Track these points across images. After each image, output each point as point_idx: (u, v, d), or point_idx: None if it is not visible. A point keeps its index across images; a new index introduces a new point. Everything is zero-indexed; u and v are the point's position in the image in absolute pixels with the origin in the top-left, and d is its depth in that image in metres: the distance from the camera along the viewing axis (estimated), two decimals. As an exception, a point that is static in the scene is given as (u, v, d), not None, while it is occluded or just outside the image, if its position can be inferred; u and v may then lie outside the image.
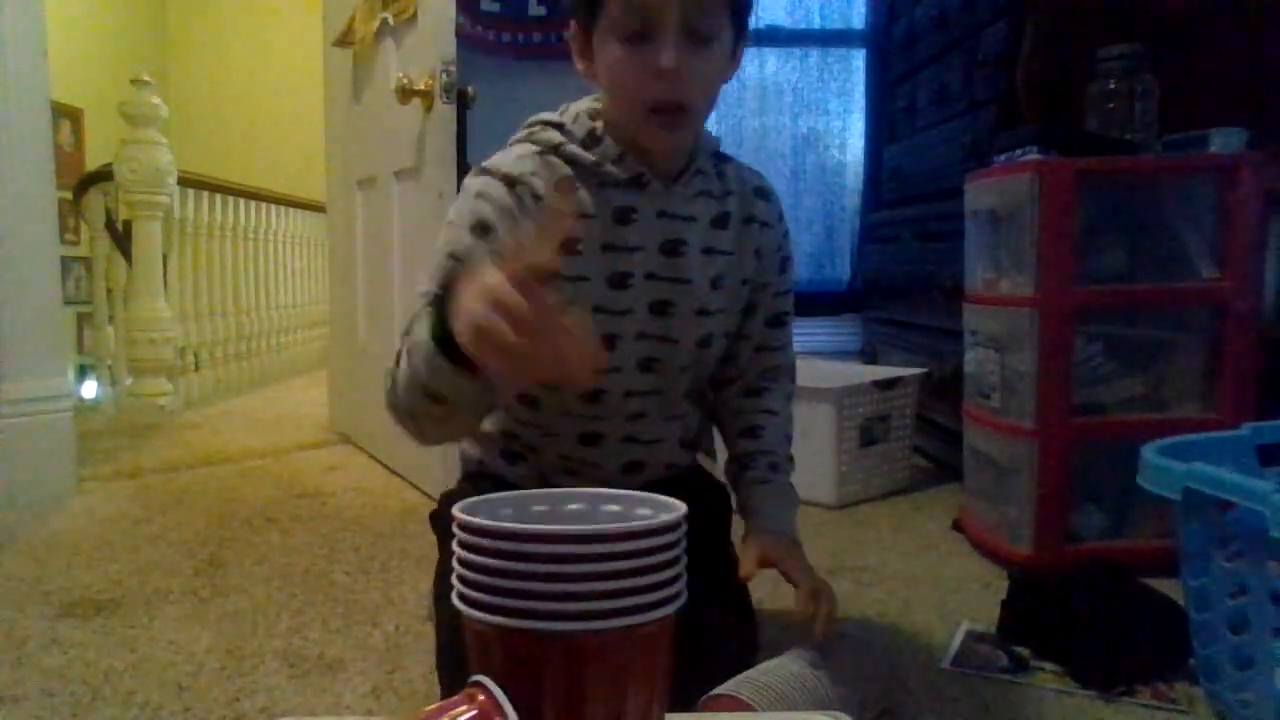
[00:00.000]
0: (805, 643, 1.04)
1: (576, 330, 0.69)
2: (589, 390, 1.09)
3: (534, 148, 1.05)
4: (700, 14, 0.95)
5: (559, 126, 1.06)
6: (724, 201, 1.11)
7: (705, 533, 1.10)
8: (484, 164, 1.06)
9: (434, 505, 2.09)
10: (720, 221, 1.11)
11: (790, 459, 1.21)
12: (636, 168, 1.03)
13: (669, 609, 0.61)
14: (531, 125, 1.09)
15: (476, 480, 1.19)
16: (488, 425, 1.16)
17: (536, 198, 1.01)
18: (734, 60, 1.04)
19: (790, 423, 1.24)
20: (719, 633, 1.02)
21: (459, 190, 1.10)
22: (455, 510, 0.63)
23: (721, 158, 1.14)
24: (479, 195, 1.02)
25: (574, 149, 1.04)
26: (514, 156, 1.04)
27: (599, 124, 1.06)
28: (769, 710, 0.89)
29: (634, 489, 1.05)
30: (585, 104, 1.09)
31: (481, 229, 1.00)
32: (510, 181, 1.01)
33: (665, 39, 0.94)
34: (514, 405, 1.12)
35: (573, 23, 1.03)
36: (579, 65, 1.04)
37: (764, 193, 1.17)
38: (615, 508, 0.70)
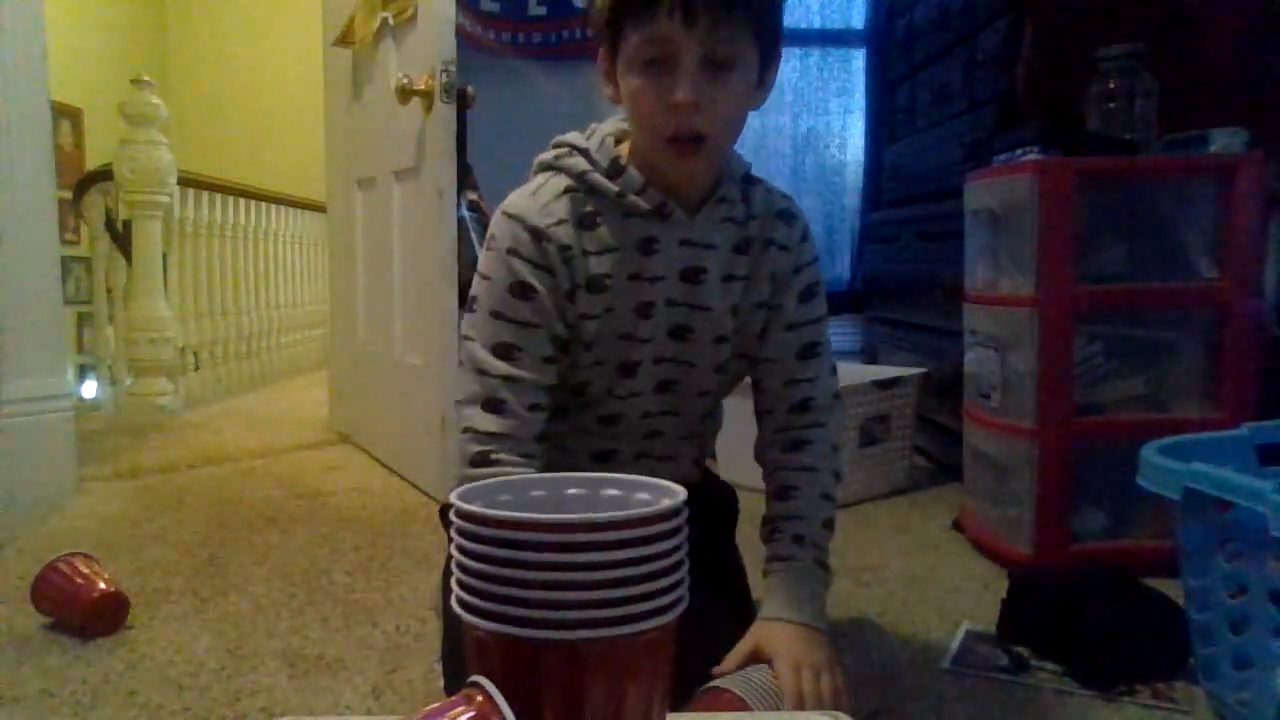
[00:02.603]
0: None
1: None
2: (606, 415, 1.10)
3: (559, 184, 1.04)
4: (718, 42, 0.93)
5: (584, 152, 1.05)
6: (746, 227, 1.09)
7: (707, 535, 1.10)
8: (511, 208, 1.04)
9: (435, 505, 2.10)
10: (742, 247, 1.09)
11: (827, 523, 1.11)
12: (659, 198, 1.02)
13: (670, 615, 0.61)
14: (558, 148, 1.08)
15: None
16: None
17: (564, 248, 1.01)
18: (762, 87, 1.02)
19: (832, 478, 1.14)
20: (719, 641, 1.01)
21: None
22: (453, 497, 0.63)
23: (750, 180, 1.12)
24: (511, 252, 1.01)
25: (598, 178, 1.03)
26: (541, 203, 1.03)
27: (623, 149, 1.05)
28: (762, 708, 0.89)
29: None
30: (611, 125, 1.08)
31: (521, 290, 1.01)
32: (537, 235, 1.01)
33: (683, 70, 0.92)
34: None
35: (601, 49, 1.02)
36: (607, 91, 1.04)
37: (787, 216, 1.13)
38: (615, 492, 0.69)
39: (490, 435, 1.00)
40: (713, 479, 1.30)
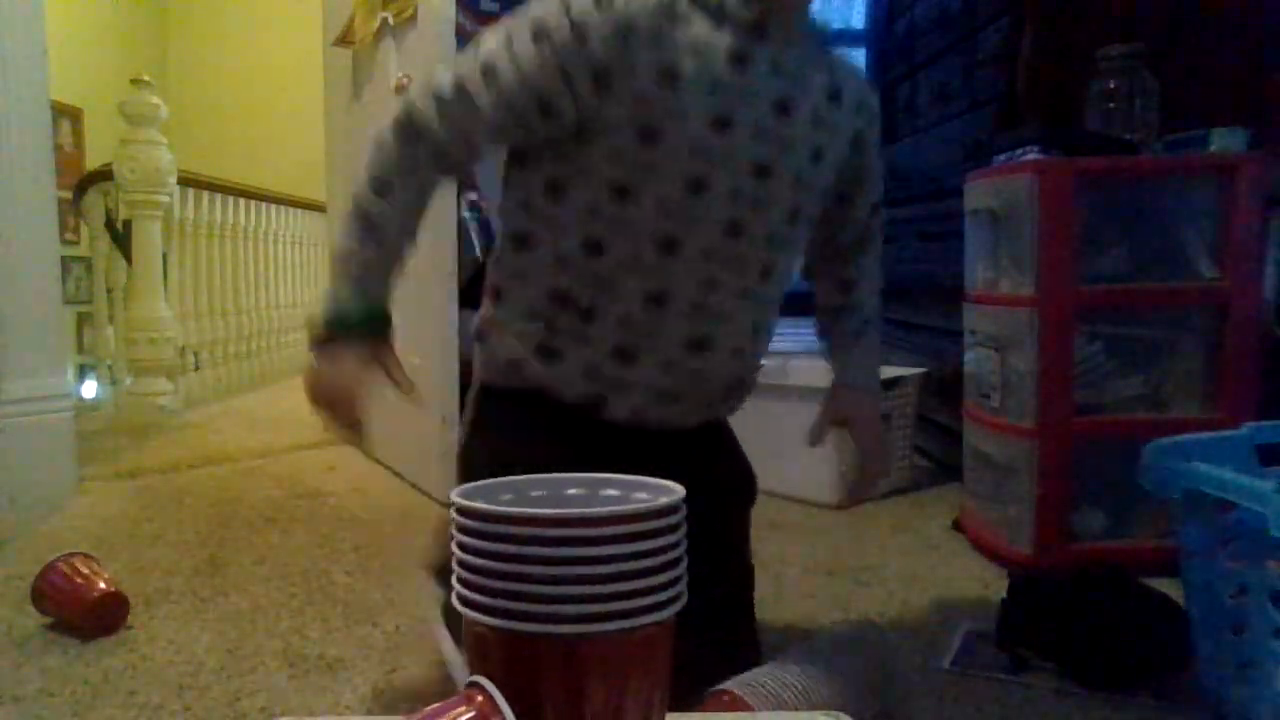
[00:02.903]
0: (806, 644, 1.04)
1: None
2: (664, 238, 1.01)
3: None
4: None
5: None
6: (836, 77, 1.08)
7: (721, 512, 1.08)
8: None
9: (433, 505, 2.10)
10: (835, 96, 1.08)
11: (879, 311, 1.28)
12: (759, 8, 0.98)
13: (668, 611, 0.61)
14: None
15: (501, 398, 1.11)
16: (531, 297, 1.07)
17: (634, 30, 0.95)
18: None
19: (880, 280, 1.29)
20: (717, 650, 0.98)
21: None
22: (454, 495, 0.63)
23: (829, 47, 1.11)
24: (563, 6, 0.96)
25: None
26: None
27: None
28: (764, 709, 0.89)
29: (696, 373, 1.06)
30: None
31: (541, 35, 0.97)
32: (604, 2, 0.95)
33: None
34: (577, 254, 1.03)
35: None
36: None
37: (870, 86, 1.17)
38: (614, 492, 0.70)
39: (437, 116, 1.00)
40: (736, 452, 1.25)
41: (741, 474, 1.23)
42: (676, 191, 0.99)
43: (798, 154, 1.05)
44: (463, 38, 2.34)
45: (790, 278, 1.18)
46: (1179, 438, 1.15)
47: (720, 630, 1.05)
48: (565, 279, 1.04)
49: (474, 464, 1.10)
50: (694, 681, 0.92)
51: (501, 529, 0.59)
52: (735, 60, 0.99)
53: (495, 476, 0.69)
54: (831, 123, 1.08)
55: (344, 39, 2.66)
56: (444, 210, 2.07)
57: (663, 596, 0.60)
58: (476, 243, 2.54)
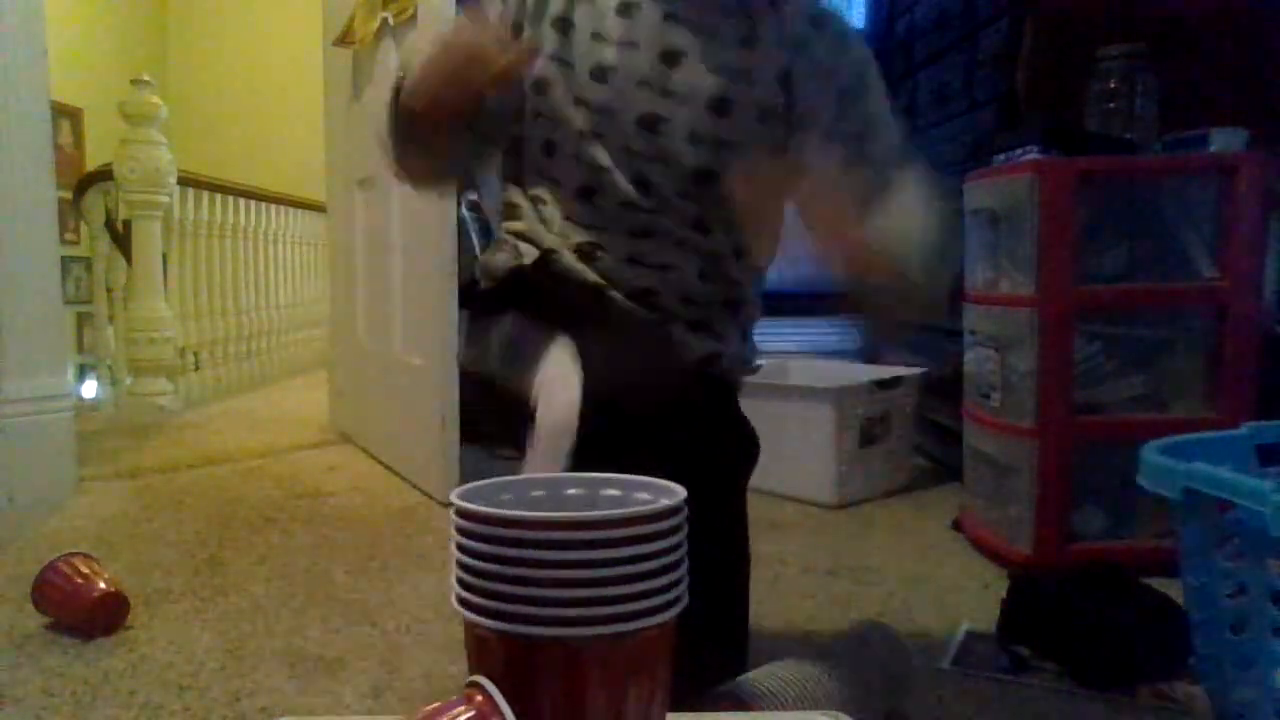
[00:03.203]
0: (811, 644, 1.04)
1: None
2: (581, 188, 1.03)
3: None
4: None
5: None
6: (754, 20, 1.01)
7: (715, 482, 1.05)
8: None
9: (435, 504, 2.10)
10: (749, 41, 1.01)
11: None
12: None
13: (669, 614, 0.61)
14: None
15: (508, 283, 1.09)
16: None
17: None
18: None
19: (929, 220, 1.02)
20: (713, 649, 0.96)
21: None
22: (453, 496, 0.63)
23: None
24: None
25: None
26: None
27: None
28: (760, 707, 0.89)
29: (653, 324, 1.03)
30: None
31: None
32: None
33: None
34: (529, 209, 1.08)
35: None
36: None
37: (817, 20, 1.03)
38: (614, 492, 0.69)
39: None
40: (739, 417, 1.16)
41: (743, 430, 1.17)
42: (577, 144, 1.03)
43: (687, 106, 1.00)
44: (463, 38, 2.34)
45: (760, 237, 1.07)
46: (1179, 438, 1.15)
47: (716, 627, 1.04)
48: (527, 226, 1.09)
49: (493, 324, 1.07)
50: (687, 680, 0.92)
51: (500, 532, 0.59)
52: (622, 10, 1.01)
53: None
54: (744, 69, 1.00)
55: (344, 39, 2.66)
56: (444, 210, 2.07)
57: (664, 599, 0.60)
58: (476, 243, 2.54)
